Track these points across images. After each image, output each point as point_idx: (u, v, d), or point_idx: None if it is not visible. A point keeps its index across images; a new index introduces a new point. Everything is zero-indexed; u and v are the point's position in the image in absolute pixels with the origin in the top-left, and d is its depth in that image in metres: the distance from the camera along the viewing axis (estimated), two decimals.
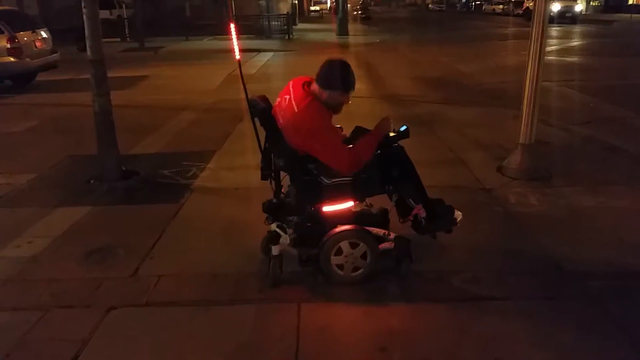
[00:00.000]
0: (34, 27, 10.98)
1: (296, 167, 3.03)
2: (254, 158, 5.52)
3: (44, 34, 11.17)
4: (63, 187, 4.94)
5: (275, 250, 3.13)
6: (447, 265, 3.33)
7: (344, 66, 2.98)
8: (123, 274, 3.30)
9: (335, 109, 3.01)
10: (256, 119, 3.22)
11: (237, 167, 5.35)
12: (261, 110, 3.14)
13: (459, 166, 5.25)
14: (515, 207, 4.25)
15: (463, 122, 7.09)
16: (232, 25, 3.30)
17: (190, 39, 22.32)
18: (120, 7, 25.92)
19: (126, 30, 22.74)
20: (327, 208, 3.08)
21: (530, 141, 4.81)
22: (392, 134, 3.12)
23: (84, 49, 4.78)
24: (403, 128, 3.14)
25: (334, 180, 3.00)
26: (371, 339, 2.67)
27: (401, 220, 3.28)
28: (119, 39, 21.71)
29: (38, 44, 10.81)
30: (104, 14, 24.86)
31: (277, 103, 3.14)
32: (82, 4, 4.59)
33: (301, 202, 3.11)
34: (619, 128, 6.67)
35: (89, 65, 4.74)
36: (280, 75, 12.57)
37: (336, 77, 2.93)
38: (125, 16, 24.12)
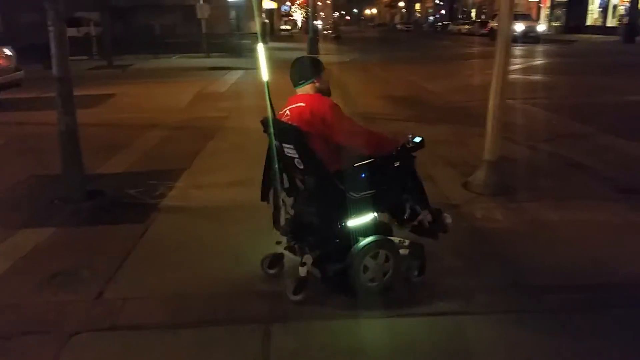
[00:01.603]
0: None
1: (328, 184, 3.04)
2: (224, 176, 5.55)
3: (8, 52, 10.94)
4: (26, 208, 4.81)
5: (302, 271, 3.11)
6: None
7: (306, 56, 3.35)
8: (87, 298, 3.21)
9: (329, 92, 3.29)
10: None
11: (207, 186, 5.30)
12: (294, 129, 3.03)
13: (426, 182, 5.21)
14: (481, 222, 4.33)
15: (430, 139, 7.09)
16: (260, 47, 3.42)
17: (159, 57, 22.21)
18: (88, 25, 25.61)
19: (94, 48, 22.46)
20: (353, 222, 3.12)
21: (495, 158, 4.92)
22: (409, 145, 3.21)
23: (50, 67, 4.70)
24: (418, 139, 3.23)
25: (363, 193, 3.06)
26: None
27: (401, 224, 3.37)
28: (86, 57, 21.42)
29: (1, 61, 10.57)
30: (71, 31, 24.39)
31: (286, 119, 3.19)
32: (48, 22, 4.52)
33: (331, 218, 3.12)
34: (582, 144, 6.88)
35: (54, 83, 4.66)
36: (251, 93, 12.58)
37: (315, 62, 3.31)
38: (93, 34, 23.83)
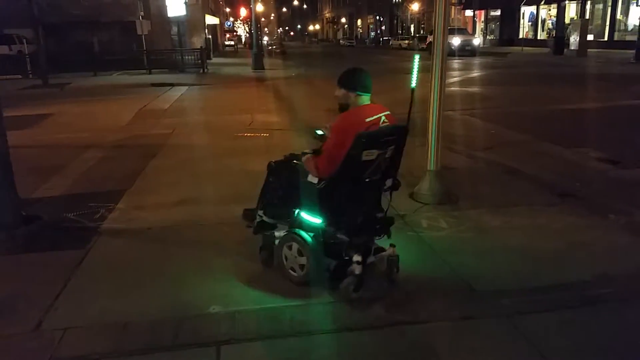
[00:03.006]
0: None
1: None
2: (168, 195, 5.41)
3: None
4: None
5: (358, 269, 3.21)
6: (365, 292, 3.36)
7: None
8: (24, 329, 3.03)
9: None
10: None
11: (150, 206, 5.14)
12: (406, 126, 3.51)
13: None
14: (427, 230, 4.42)
15: None
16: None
17: (98, 74, 21.58)
18: (21, 42, 24.60)
19: (28, 66, 21.53)
20: None
21: (437, 167, 5.06)
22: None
23: None
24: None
25: None
26: None
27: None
28: (20, 76, 20.52)
29: None
30: (2, 49, 23.50)
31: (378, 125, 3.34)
32: None
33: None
34: (519, 152, 7.18)
35: None
36: (195, 109, 12.42)
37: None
38: (26, 52, 22.87)
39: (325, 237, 3.35)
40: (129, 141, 8.44)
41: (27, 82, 18.95)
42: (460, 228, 4.47)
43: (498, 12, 42.45)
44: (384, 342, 2.88)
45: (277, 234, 3.62)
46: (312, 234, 3.36)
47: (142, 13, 24.38)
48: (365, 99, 3.40)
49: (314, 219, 3.37)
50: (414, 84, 3.53)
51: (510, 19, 40.14)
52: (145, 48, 23.75)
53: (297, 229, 3.43)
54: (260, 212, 3.71)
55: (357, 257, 3.20)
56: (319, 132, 3.58)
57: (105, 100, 13.94)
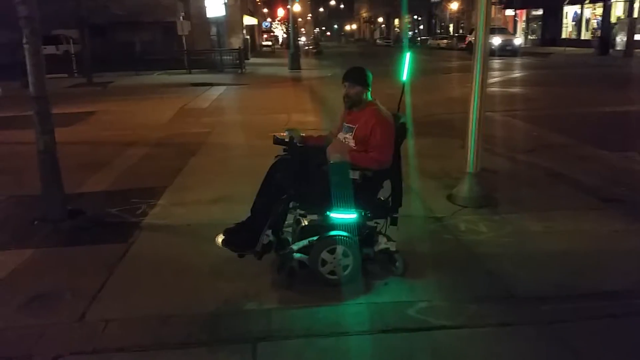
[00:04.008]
0: None
1: None
2: (207, 193, 5.50)
3: None
4: (5, 229, 4.69)
5: (393, 246, 3.62)
6: (402, 296, 3.35)
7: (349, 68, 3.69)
8: (69, 320, 3.14)
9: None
10: None
11: (189, 203, 5.24)
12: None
13: (410, 195, 5.32)
14: (466, 234, 4.35)
15: (413, 152, 7.24)
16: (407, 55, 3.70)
17: (140, 74, 22.10)
18: (68, 42, 25.44)
19: (74, 65, 22.27)
20: None
21: (477, 170, 4.97)
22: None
23: (28, 85, 4.63)
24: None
25: None
26: None
27: None
28: (66, 75, 21.22)
29: None
30: (50, 49, 24.34)
31: None
32: (24, 40, 4.47)
33: None
34: (561, 155, 6.99)
35: (32, 102, 4.59)
36: (233, 109, 12.59)
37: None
38: (72, 52, 23.64)
39: (361, 230, 3.47)
40: (169, 139, 8.63)
41: (73, 81, 19.60)
42: (500, 232, 4.38)
43: (540, 12, 41.38)
44: (418, 345, 2.85)
45: (296, 247, 3.45)
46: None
47: (182, 14, 24.87)
48: (370, 94, 3.63)
49: (348, 215, 3.41)
50: (405, 77, 3.68)
51: (553, 19, 39.07)
52: (185, 48, 24.20)
53: (336, 231, 3.40)
54: (268, 232, 3.45)
55: (384, 238, 3.56)
56: (285, 134, 3.63)
57: (147, 99, 14.28)
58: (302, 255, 3.42)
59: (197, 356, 2.79)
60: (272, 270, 3.64)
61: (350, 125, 3.56)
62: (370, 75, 3.59)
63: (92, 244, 4.34)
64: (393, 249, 3.60)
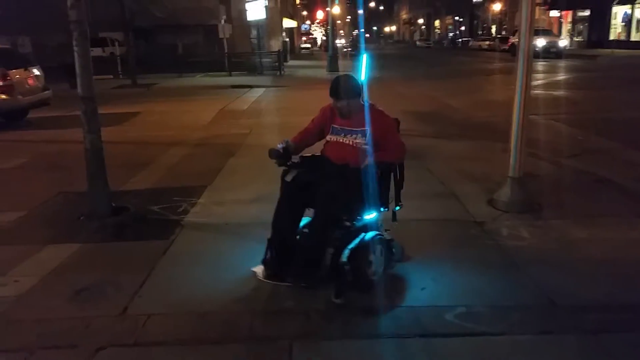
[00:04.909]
0: (26, 65, 11.07)
1: None
2: (245, 193, 5.57)
3: (37, 72, 11.26)
4: (52, 224, 4.88)
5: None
6: (440, 300, 3.30)
7: (335, 79, 3.66)
8: (112, 313, 3.23)
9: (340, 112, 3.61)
10: None
11: (228, 202, 5.33)
12: None
13: (450, 199, 5.27)
14: (507, 240, 4.25)
15: (453, 155, 7.15)
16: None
17: (182, 76, 22.60)
18: (113, 45, 26.25)
19: (119, 67, 22.98)
20: None
21: (520, 174, 4.85)
22: None
23: (76, 86, 4.81)
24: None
25: None
26: None
27: None
28: (111, 76, 21.92)
29: (30, 81, 10.88)
30: (96, 51, 25.13)
31: None
32: (74, 42, 4.64)
33: None
34: (608, 160, 6.75)
35: (79, 102, 4.76)
36: (271, 110, 12.72)
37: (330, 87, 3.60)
38: (118, 54, 24.40)
39: (380, 226, 3.55)
40: (210, 140, 8.79)
41: (118, 82, 20.22)
42: (543, 238, 4.26)
43: (587, 13, 40.10)
44: (455, 350, 2.81)
45: (345, 257, 3.28)
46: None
47: (224, 17, 25.28)
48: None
49: (372, 215, 3.47)
50: (363, 77, 3.73)
51: (600, 20, 37.78)
52: (226, 51, 24.60)
53: (372, 232, 3.42)
54: (331, 250, 3.31)
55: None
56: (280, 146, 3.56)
57: (189, 101, 14.60)
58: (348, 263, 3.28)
59: (234, 352, 2.83)
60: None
61: (353, 129, 3.56)
62: (358, 81, 3.63)
63: (136, 240, 4.46)
64: (389, 237, 3.60)
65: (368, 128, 3.50)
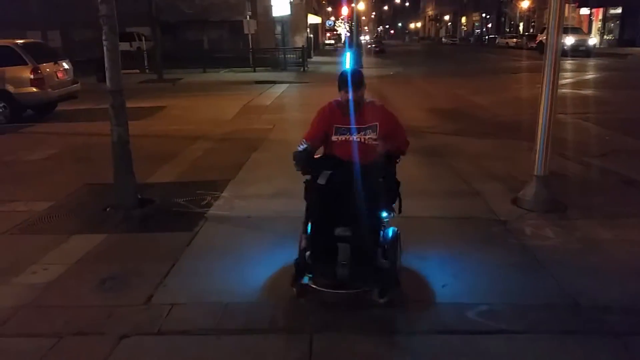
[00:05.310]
0: (56, 59, 11.32)
1: None
2: (267, 187, 5.62)
3: (66, 65, 11.50)
4: (80, 214, 5.01)
5: None
6: (462, 297, 3.29)
7: (344, 72, 3.53)
8: (136, 302, 3.31)
9: (345, 105, 3.49)
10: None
11: (251, 196, 5.38)
12: None
13: (473, 197, 5.23)
14: (531, 239, 4.20)
15: (477, 153, 7.08)
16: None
17: (207, 71, 22.79)
18: (140, 39, 26.59)
19: (145, 62, 23.29)
20: None
21: (545, 173, 4.79)
22: None
23: (104, 80, 4.91)
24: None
25: None
26: None
27: None
28: (138, 71, 22.23)
29: (59, 74, 11.12)
30: (124, 46, 25.44)
31: None
32: (103, 37, 4.73)
33: None
34: (635, 160, 6.61)
35: (107, 96, 4.86)
36: (294, 106, 12.75)
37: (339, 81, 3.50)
38: (144, 49, 24.71)
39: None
40: (233, 134, 8.87)
41: (144, 77, 20.49)
42: (568, 238, 4.20)
43: (618, 10, 39.14)
44: (475, 348, 2.80)
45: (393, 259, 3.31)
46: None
47: (249, 13, 25.39)
48: None
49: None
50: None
51: (633, 18, 36.83)
52: (251, 46, 24.71)
53: (394, 227, 3.43)
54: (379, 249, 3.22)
55: None
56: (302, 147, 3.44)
57: (213, 96, 14.73)
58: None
59: (255, 343, 2.87)
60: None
61: (361, 126, 3.47)
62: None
63: (160, 232, 4.55)
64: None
65: (373, 124, 3.47)
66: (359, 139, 3.47)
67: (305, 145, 3.43)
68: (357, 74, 3.54)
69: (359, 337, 2.91)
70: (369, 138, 3.47)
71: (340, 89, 3.47)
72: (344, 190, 3.22)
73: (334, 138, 3.51)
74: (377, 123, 3.47)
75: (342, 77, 3.46)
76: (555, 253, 3.93)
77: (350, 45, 26.71)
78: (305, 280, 3.24)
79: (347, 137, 3.49)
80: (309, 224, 3.27)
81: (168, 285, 3.53)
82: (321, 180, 3.31)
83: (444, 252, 3.92)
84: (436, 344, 2.84)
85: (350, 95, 3.40)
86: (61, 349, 2.84)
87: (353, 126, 3.47)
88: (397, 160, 3.60)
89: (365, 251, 3.11)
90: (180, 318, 3.12)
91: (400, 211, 3.46)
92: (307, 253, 3.21)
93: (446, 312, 3.13)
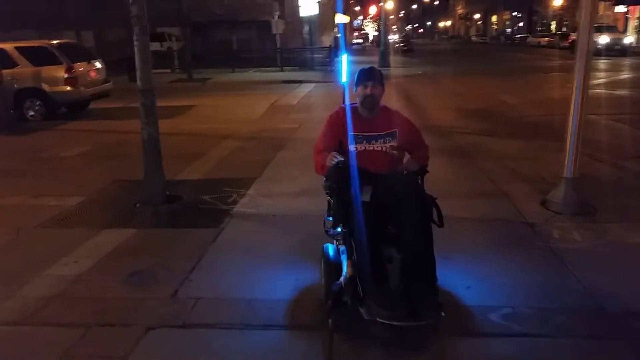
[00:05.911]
0: (89, 58, 11.63)
1: None
2: (292, 186, 5.66)
3: (98, 65, 11.80)
4: (110, 209, 5.14)
5: None
6: (487, 300, 3.26)
7: (362, 69, 3.43)
8: (163, 295, 3.39)
9: (363, 104, 3.33)
10: None
11: (276, 194, 5.43)
12: None
13: (500, 198, 5.16)
14: (559, 242, 4.12)
15: (506, 154, 6.98)
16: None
17: (236, 71, 23.03)
18: (171, 40, 27.05)
19: (176, 61, 23.68)
20: None
21: (575, 175, 4.70)
22: None
23: (135, 79, 5.02)
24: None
25: None
26: None
27: None
28: (168, 70, 22.62)
29: (92, 74, 11.41)
30: (155, 46, 25.95)
31: None
32: (134, 37, 4.84)
33: None
34: None
35: (139, 95, 4.97)
36: (321, 106, 12.75)
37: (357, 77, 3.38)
38: (175, 48, 25.12)
39: None
40: (260, 133, 8.96)
41: (174, 76, 20.84)
42: (596, 242, 4.11)
43: None
44: (498, 351, 2.78)
45: None
46: None
47: (277, 13, 25.55)
48: None
49: None
50: (344, 79, 3.53)
51: None
52: (279, 46, 24.87)
53: None
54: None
55: None
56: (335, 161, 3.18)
57: (241, 95, 14.89)
58: None
59: (278, 338, 2.91)
60: None
61: (379, 133, 3.28)
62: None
63: (188, 227, 4.64)
64: None
65: (390, 131, 3.30)
66: (380, 148, 3.28)
67: (336, 160, 3.13)
68: (376, 70, 3.45)
69: (380, 337, 2.89)
70: (390, 146, 3.29)
71: (357, 85, 3.31)
72: (390, 205, 2.96)
73: (352, 147, 3.26)
74: (397, 130, 3.34)
75: (361, 72, 3.35)
76: (583, 257, 3.85)
77: (378, 45, 26.62)
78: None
79: (367, 147, 3.27)
80: (353, 246, 2.89)
81: (194, 279, 3.60)
82: (365, 197, 2.98)
83: (470, 253, 3.89)
84: (458, 347, 2.82)
85: (369, 90, 3.24)
86: (89, 339, 2.93)
87: (371, 134, 3.28)
88: (420, 180, 3.21)
89: (425, 271, 2.84)
90: (204, 312, 3.18)
91: (442, 224, 3.00)
92: (354, 280, 2.81)
93: (469, 314, 3.11)
